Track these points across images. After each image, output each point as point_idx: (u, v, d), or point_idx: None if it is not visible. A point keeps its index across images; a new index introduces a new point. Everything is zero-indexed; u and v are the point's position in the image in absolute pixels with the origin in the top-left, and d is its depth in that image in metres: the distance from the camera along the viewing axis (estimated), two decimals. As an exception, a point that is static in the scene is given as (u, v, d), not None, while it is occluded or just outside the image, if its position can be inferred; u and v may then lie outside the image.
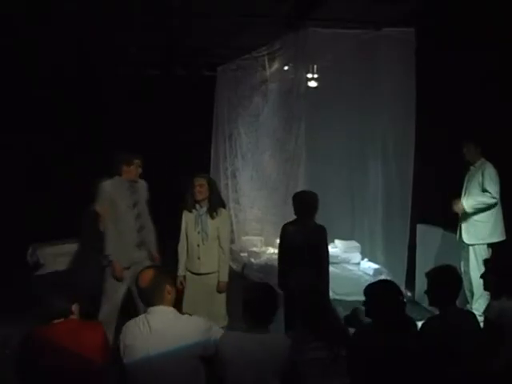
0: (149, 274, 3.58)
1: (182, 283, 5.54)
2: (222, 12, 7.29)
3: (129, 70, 10.47)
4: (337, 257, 9.12)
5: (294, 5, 7.10)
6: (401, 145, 6.92)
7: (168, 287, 3.59)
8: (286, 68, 8.54)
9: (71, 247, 9.58)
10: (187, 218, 5.65)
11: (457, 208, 6.19)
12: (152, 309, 3.50)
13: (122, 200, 5.75)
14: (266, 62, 8.72)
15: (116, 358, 3.47)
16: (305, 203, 5.46)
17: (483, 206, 6.06)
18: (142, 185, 6.07)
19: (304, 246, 5.31)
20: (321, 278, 5.31)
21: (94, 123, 10.43)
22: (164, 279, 3.62)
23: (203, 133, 11.15)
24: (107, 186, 5.74)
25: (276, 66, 8.63)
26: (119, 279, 5.57)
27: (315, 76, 8.61)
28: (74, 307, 3.55)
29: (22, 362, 3.41)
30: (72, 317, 3.52)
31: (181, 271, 5.56)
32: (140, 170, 5.95)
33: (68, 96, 10.16)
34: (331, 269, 8.58)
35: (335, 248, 9.48)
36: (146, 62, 10.53)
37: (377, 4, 6.81)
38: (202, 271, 5.51)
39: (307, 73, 8.15)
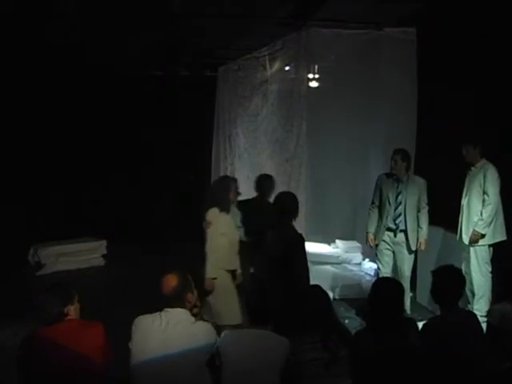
0: (173, 282, 3.62)
1: (210, 286, 5.50)
2: (224, 13, 7.28)
3: (132, 71, 10.48)
4: (338, 257, 9.13)
5: (296, 5, 7.09)
6: (402, 145, 6.90)
7: (189, 296, 3.67)
8: (287, 68, 8.52)
9: (72, 247, 9.62)
10: (223, 219, 5.62)
11: (475, 238, 6.14)
12: (169, 309, 3.58)
13: (386, 190, 6.59)
14: (267, 62, 8.70)
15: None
16: (277, 207, 5.42)
17: (490, 218, 6.06)
18: (413, 180, 6.62)
19: (278, 252, 5.27)
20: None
21: (97, 123, 10.44)
22: (186, 288, 3.67)
23: (205, 132, 11.17)
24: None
25: (277, 66, 8.61)
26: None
27: (316, 76, 8.61)
28: (71, 308, 3.54)
29: (23, 362, 3.41)
30: (69, 318, 3.51)
31: (213, 273, 5.50)
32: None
33: (70, 96, 10.17)
34: (332, 269, 8.67)
35: (336, 248, 9.48)
36: (150, 63, 10.53)
37: (378, 4, 6.80)
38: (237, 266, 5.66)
39: (308, 73, 8.14)
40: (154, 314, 3.60)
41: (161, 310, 3.62)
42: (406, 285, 6.66)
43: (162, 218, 10.62)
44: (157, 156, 10.90)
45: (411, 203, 6.51)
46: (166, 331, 3.49)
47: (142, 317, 3.62)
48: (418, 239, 6.58)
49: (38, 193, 9.92)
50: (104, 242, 9.91)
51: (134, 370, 3.48)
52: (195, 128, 10.92)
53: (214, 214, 5.60)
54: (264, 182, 6.55)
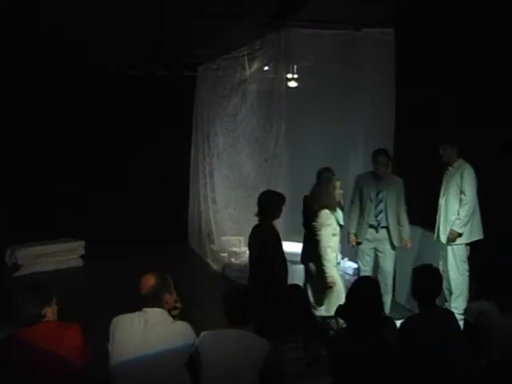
0: (151, 281, 3.62)
1: (333, 283, 5.88)
2: (203, 12, 7.25)
3: (110, 71, 10.41)
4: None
5: (276, 5, 7.09)
6: (381, 144, 6.95)
7: (167, 297, 3.66)
8: (266, 68, 8.53)
9: (50, 248, 9.52)
10: (333, 220, 5.90)
11: (453, 237, 6.21)
12: (147, 309, 3.57)
13: (367, 188, 6.63)
14: (246, 62, 8.71)
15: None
16: (260, 205, 5.45)
17: (467, 218, 6.13)
18: (393, 179, 6.70)
19: (256, 251, 5.36)
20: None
21: (75, 123, 10.34)
22: (164, 289, 3.66)
23: (184, 132, 11.14)
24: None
25: (256, 65, 8.62)
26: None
27: (295, 76, 8.63)
28: (49, 310, 3.51)
29: (1, 364, 3.37)
30: (47, 319, 3.49)
31: (332, 271, 5.84)
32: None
33: (52, 95, 10.07)
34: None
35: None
36: (128, 63, 10.47)
37: (357, 5, 6.83)
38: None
39: (288, 73, 8.16)
40: (132, 314, 3.59)
41: (139, 310, 3.60)
42: (389, 282, 6.73)
43: (142, 218, 10.56)
44: (135, 156, 10.83)
45: (392, 200, 6.59)
46: (145, 331, 3.47)
47: (120, 317, 3.60)
48: (400, 237, 6.66)
49: (16, 193, 9.81)
50: (82, 243, 9.83)
51: (113, 371, 3.46)
52: (174, 128, 10.88)
53: (326, 217, 5.80)
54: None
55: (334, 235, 5.86)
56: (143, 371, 3.38)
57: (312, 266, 6.25)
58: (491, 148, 5.85)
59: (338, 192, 5.98)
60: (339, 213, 6.12)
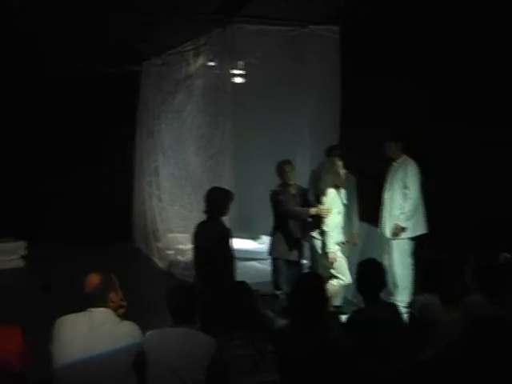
0: (95, 280, 3.58)
1: (333, 259, 6.17)
2: (148, 7, 7.16)
3: (49, 66, 10.14)
4: (263, 253, 9.15)
5: (222, 1, 7.06)
6: (326, 140, 7.01)
7: (112, 295, 3.60)
8: (211, 64, 8.48)
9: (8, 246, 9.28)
10: (338, 198, 6.22)
11: (397, 231, 6.30)
12: (93, 309, 3.51)
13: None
14: (191, 58, 8.65)
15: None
16: (208, 202, 5.47)
17: (411, 212, 6.23)
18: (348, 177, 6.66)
19: (206, 248, 5.34)
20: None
21: (13, 122, 10.04)
22: (109, 287, 3.61)
23: (128, 129, 10.97)
24: None
25: (201, 61, 8.56)
26: None
27: (242, 72, 8.61)
28: None
29: None
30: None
31: (334, 248, 6.17)
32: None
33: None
34: (259, 265, 8.70)
35: (262, 244, 9.51)
36: (69, 58, 10.21)
37: (303, 2, 6.87)
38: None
39: (233, 69, 8.14)
40: (76, 314, 3.52)
41: (84, 310, 3.53)
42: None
43: (86, 217, 10.35)
44: (79, 154, 10.58)
45: (347, 197, 6.65)
46: (91, 332, 3.41)
47: (64, 318, 3.52)
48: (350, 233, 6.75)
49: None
50: (23, 243, 9.58)
51: (57, 374, 3.38)
52: (118, 125, 10.69)
53: (331, 196, 6.15)
54: None
55: (338, 213, 6.16)
56: (88, 373, 3.31)
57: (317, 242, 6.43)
58: (436, 143, 5.97)
59: (342, 171, 6.20)
60: (343, 192, 6.34)
